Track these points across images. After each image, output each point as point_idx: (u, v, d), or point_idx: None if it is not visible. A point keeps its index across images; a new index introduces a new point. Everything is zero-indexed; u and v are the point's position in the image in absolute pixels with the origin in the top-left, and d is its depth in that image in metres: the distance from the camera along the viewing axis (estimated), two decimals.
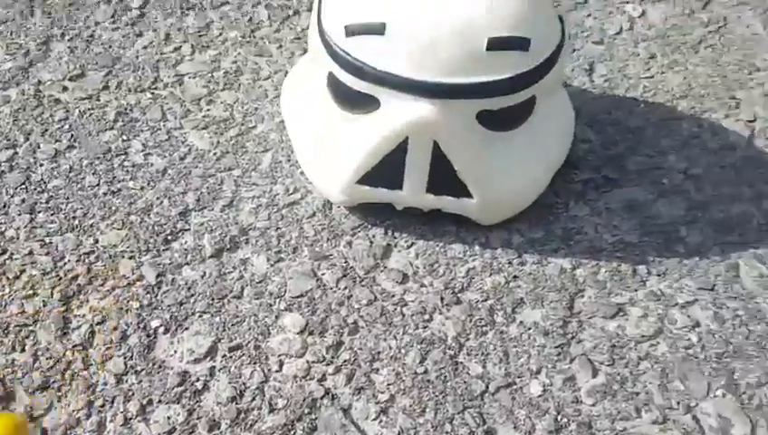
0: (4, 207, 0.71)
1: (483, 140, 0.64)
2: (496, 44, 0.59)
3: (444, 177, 0.65)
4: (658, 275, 0.68)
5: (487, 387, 0.61)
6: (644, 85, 0.84)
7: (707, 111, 0.81)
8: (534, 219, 0.73)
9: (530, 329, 0.65)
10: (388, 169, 0.66)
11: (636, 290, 0.67)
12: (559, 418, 0.60)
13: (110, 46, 0.87)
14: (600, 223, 0.72)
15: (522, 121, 0.67)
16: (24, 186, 0.73)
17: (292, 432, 0.58)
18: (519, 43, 0.60)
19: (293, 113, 0.75)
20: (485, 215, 0.70)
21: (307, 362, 0.63)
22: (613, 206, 0.73)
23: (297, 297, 0.67)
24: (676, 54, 0.87)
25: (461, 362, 0.63)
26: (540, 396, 0.61)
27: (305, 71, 0.74)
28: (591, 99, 0.82)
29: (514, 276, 0.69)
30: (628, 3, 0.93)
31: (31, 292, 0.66)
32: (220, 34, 0.90)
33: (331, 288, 0.68)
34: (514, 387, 0.61)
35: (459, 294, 0.67)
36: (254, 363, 0.62)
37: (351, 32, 0.61)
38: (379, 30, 0.60)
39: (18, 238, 0.69)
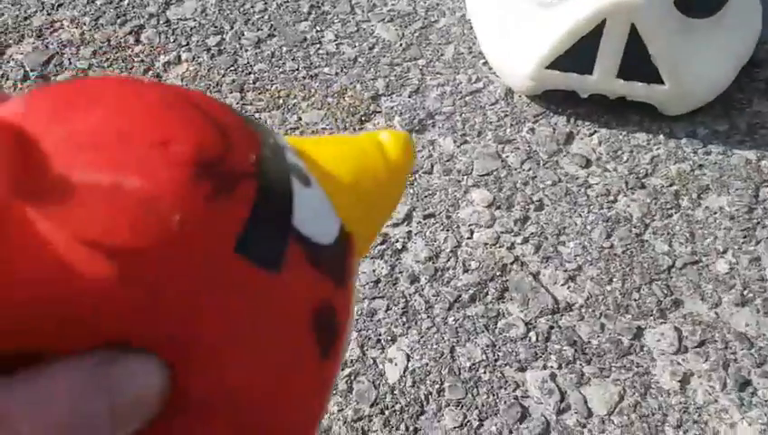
0: (217, 85, 0.78)
1: (679, 26, 0.65)
2: None
3: (636, 62, 0.67)
4: None
5: (674, 263, 0.64)
6: None
7: None
8: (718, 113, 0.73)
9: (715, 213, 0.67)
10: (579, 53, 0.68)
11: None
12: (745, 293, 0.61)
13: None
14: None
15: (717, 10, 0.67)
16: (232, 68, 0.80)
17: (485, 290, 0.63)
18: None
19: (481, 4, 0.77)
20: (673, 103, 0.71)
21: (496, 232, 0.67)
22: None
23: (484, 175, 0.71)
24: None
25: (647, 241, 0.65)
26: (726, 273, 0.63)
27: None
28: None
29: (699, 165, 0.70)
30: None
31: None
32: None
33: (516, 169, 0.71)
34: (701, 264, 0.63)
35: (644, 180, 0.69)
36: (447, 230, 0.67)
37: None
38: None
39: None
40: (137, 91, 0.19)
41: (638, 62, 0.67)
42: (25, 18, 0.84)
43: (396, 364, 0.59)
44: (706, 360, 0.58)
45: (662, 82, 0.68)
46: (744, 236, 0.65)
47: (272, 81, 0.79)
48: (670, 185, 0.69)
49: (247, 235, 0.18)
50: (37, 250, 0.16)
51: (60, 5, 0.85)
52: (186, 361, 0.18)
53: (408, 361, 0.59)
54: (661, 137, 0.72)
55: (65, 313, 0.16)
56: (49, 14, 0.84)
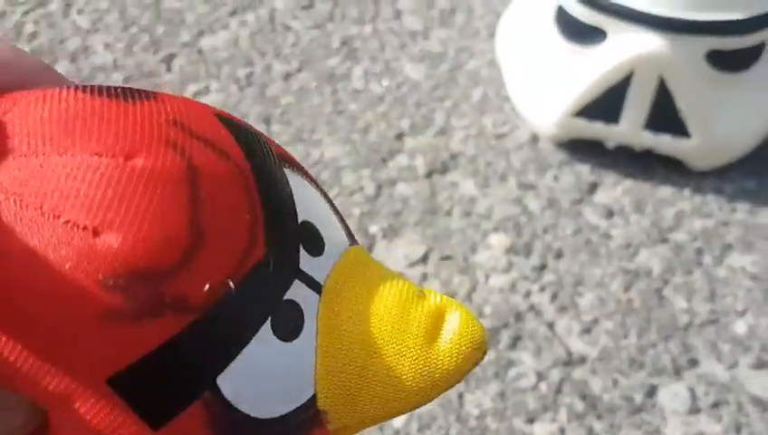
0: (244, 116, 0.79)
1: (709, 80, 0.65)
2: None
3: (663, 114, 0.66)
4: None
5: (692, 321, 0.62)
6: None
7: None
8: (748, 169, 0.72)
9: (737, 273, 0.65)
10: (607, 103, 0.68)
11: None
12: (763, 356, 0.60)
13: None
14: None
15: (748, 66, 0.66)
16: (260, 100, 0.81)
17: (498, 337, 0.62)
18: None
19: (511, 49, 0.77)
20: (700, 158, 0.70)
21: (513, 278, 0.66)
22: None
23: (504, 220, 0.70)
24: None
25: (666, 297, 0.64)
26: (745, 334, 0.61)
27: (525, 7, 0.76)
28: None
29: (724, 223, 0.69)
30: None
31: None
32: None
33: (537, 216, 0.71)
34: (719, 324, 0.62)
35: (666, 234, 0.68)
36: (463, 274, 0.66)
37: None
38: None
39: None
40: (126, 125, 0.15)
41: (665, 115, 0.66)
42: (60, 42, 0.86)
43: None
44: (719, 422, 0.57)
45: (689, 136, 0.67)
46: (765, 298, 0.63)
47: (298, 114, 0.79)
48: (693, 241, 0.68)
49: (131, 375, 0.14)
50: None
51: (96, 31, 0.87)
52: None
53: None
54: (687, 192, 0.71)
55: None
56: (84, 39, 0.86)
